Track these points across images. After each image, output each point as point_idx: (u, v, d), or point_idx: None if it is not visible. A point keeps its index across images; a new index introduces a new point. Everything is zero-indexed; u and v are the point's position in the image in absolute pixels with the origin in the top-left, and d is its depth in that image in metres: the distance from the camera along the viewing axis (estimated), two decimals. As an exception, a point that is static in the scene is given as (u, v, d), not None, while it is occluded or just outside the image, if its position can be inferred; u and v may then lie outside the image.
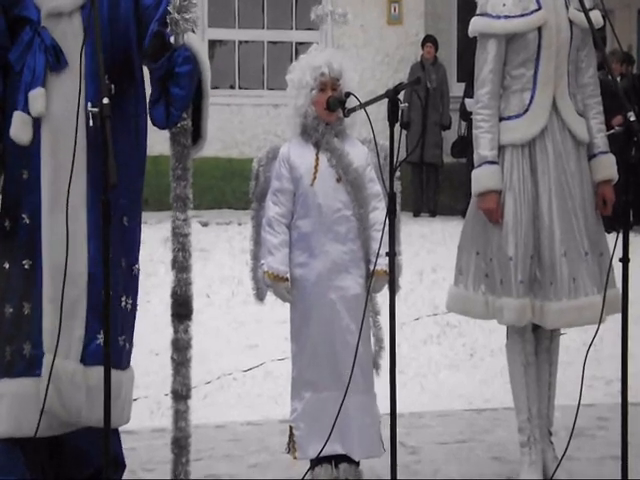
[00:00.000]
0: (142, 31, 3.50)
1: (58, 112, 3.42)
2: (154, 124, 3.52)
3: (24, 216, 3.47)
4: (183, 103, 3.46)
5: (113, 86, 3.12)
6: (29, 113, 3.42)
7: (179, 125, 3.49)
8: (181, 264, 3.55)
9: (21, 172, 3.48)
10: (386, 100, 3.52)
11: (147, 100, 3.58)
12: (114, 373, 3.37)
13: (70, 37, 3.44)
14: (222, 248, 9.75)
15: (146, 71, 3.57)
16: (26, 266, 3.46)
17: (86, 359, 3.42)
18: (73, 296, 3.39)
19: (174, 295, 3.55)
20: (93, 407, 3.39)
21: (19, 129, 3.43)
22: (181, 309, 3.56)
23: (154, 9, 3.48)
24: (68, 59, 3.44)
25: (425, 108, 12.22)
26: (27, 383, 3.42)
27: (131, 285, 3.60)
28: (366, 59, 12.44)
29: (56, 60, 3.43)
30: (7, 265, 3.48)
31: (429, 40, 12.51)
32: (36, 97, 3.41)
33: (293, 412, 4.09)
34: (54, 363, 3.34)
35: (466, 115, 11.92)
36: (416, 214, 12.31)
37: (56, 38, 3.44)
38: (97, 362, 3.37)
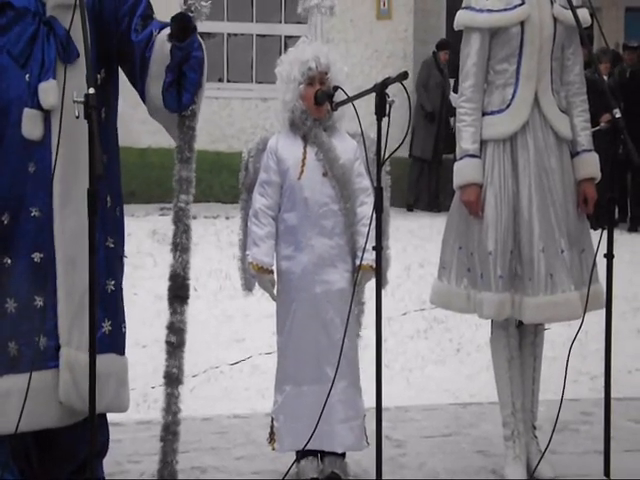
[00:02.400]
0: (119, 27, 3.50)
1: (69, 103, 3.33)
2: (166, 107, 3.53)
3: (32, 209, 3.41)
4: (196, 87, 3.51)
5: (99, 76, 3.13)
6: (37, 107, 3.38)
7: (190, 109, 3.54)
8: (184, 245, 3.60)
9: (26, 165, 3.41)
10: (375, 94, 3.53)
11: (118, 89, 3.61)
12: (122, 359, 3.54)
13: (78, 28, 3.41)
14: (210, 242, 9.74)
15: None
16: (36, 259, 3.40)
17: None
18: (83, 288, 3.36)
19: (174, 277, 3.59)
20: (100, 395, 3.40)
21: (31, 126, 3.39)
22: (181, 291, 3.60)
23: (133, 6, 3.50)
24: (79, 50, 3.40)
25: (441, 108, 12.43)
26: (40, 376, 3.39)
27: (122, 273, 3.64)
28: (355, 54, 12.46)
29: (68, 51, 3.39)
30: (9, 260, 3.42)
31: (446, 47, 12.51)
32: (47, 89, 3.37)
33: (274, 404, 4.12)
34: (70, 356, 3.37)
35: (453, 111, 12.00)
36: (409, 209, 12.41)
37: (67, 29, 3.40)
38: (103, 350, 3.39)
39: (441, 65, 12.61)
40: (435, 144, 12.48)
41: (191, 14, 3.46)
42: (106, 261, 3.48)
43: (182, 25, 3.45)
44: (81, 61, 3.38)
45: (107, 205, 3.51)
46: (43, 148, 3.40)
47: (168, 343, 3.59)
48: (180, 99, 3.50)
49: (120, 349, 3.54)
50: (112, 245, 3.52)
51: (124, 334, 3.59)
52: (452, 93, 11.94)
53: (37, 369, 3.39)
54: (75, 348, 3.40)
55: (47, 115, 3.40)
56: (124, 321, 3.59)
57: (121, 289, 3.59)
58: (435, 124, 12.48)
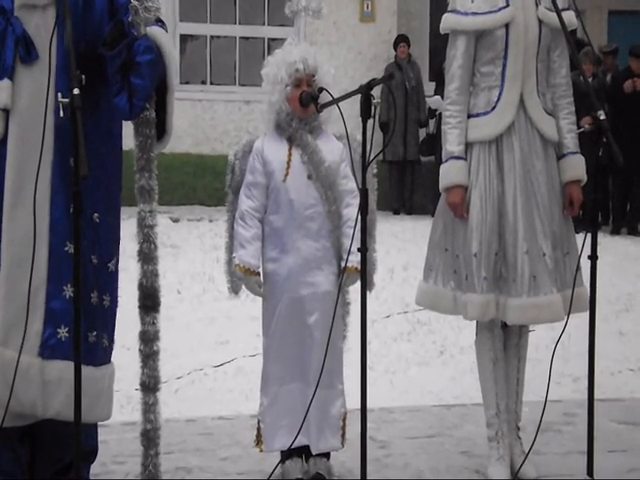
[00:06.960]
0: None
1: (27, 105, 3.38)
2: (117, 115, 3.51)
3: None
4: (145, 93, 3.45)
5: (84, 77, 3.12)
6: None
7: (142, 116, 3.49)
8: (147, 255, 3.55)
9: None
10: (360, 96, 3.54)
11: None
12: (89, 370, 3.39)
13: (43, 30, 3.40)
14: (193, 244, 9.74)
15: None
16: None
17: (44, 353, 3.37)
18: (31, 290, 3.34)
19: (140, 287, 3.56)
20: (50, 401, 3.37)
21: None
22: (148, 301, 3.56)
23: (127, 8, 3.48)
24: (40, 52, 3.40)
25: (406, 107, 12.30)
26: None
27: (106, 282, 3.55)
28: (339, 56, 12.46)
29: (27, 52, 3.39)
30: None
31: (402, 40, 12.54)
32: (2, 89, 3.38)
33: (260, 406, 4.12)
34: (5, 356, 3.33)
35: (432, 113, 12.01)
36: (396, 212, 12.39)
37: (29, 30, 3.40)
38: (56, 356, 3.36)
39: (400, 62, 12.50)
40: (405, 145, 12.39)
41: (134, 17, 3.41)
42: (64, 266, 3.37)
43: (116, 32, 3.42)
44: (40, 63, 3.38)
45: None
46: (2, 147, 3.40)
47: (140, 352, 3.57)
48: (131, 107, 3.45)
49: (87, 358, 3.39)
50: (72, 251, 3.33)
51: (93, 343, 3.47)
52: (430, 98, 11.82)
53: None
54: (12, 349, 3.35)
55: (7, 114, 3.39)
56: (94, 330, 3.47)
57: (90, 297, 3.47)
58: (402, 125, 12.34)
